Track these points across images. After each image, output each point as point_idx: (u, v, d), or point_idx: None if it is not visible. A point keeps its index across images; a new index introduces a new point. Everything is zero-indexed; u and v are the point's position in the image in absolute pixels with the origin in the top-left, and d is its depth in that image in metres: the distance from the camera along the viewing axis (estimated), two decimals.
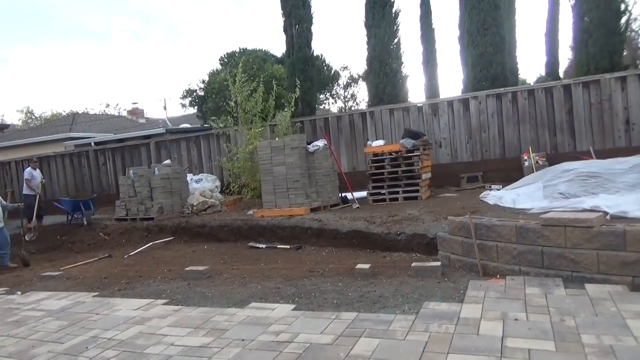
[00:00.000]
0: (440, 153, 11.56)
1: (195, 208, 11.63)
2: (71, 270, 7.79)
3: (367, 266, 5.63)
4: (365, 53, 13.12)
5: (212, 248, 8.67)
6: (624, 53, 12.27)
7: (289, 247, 7.91)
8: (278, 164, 9.59)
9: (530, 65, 55.41)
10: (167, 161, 12.86)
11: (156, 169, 11.88)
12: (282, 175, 9.51)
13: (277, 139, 10.27)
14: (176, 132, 16.19)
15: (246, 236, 8.80)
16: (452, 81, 55.88)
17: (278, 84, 15.66)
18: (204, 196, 12.18)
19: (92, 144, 17.97)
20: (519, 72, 18.26)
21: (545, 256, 4.65)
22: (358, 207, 9.35)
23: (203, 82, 16.70)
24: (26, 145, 19.92)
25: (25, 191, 12.43)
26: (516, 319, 3.63)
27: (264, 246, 8.17)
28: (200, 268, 6.43)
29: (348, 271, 5.85)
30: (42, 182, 12.44)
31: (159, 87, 76.38)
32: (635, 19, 22.89)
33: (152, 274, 6.95)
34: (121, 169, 15.10)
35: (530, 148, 10.35)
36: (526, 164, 10.18)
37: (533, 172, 9.46)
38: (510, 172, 10.29)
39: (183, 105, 16.96)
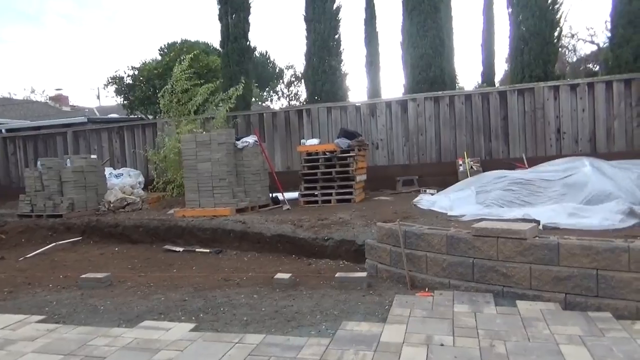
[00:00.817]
0: (377, 155, 11.24)
1: (112, 205, 10.61)
2: None
3: (287, 276, 5.07)
4: (304, 48, 12.59)
5: (124, 250, 7.80)
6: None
7: (208, 251, 7.21)
8: (203, 160, 8.84)
9: (467, 74, 57.11)
10: (93, 156, 11.68)
11: (68, 160, 10.74)
12: (208, 172, 8.78)
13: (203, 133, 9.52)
14: (99, 122, 14.91)
15: (163, 238, 7.99)
16: (394, 85, 56.73)
17: (213, 76, 14.85)
18: (124, 192, 11.16)
19: (3, 130, 16.24)
20: (457, 79, 18.48)
21: (476, 269, 4.30)
22: (288, 209, 8.80)
23: (132, 68, 15.49)
24: None
25: None
26: (442, 344, 3.19)
27: (181, 250, 7.42)
28: (99, 275, 5.61)
29: (267, 280, 5.27)
30: None
31: (92, 75, 72.09)
32: (565, 35, 23.95)
33: (45, 280, 6.03)
34: (33, 159, 13.66)
35: (465, 153, 10.23)
36: (461, 168, 10.05)
37: (467, 177, 9.32)
38: (445, 176, 10.12)
39: (106, 95, 15.68)
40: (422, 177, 10.75)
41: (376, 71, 20.78)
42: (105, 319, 4.25)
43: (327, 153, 9.24)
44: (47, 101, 24.54)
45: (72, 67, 72.67)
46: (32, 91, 41.48)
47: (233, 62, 12.30)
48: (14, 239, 8.96)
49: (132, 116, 15.96)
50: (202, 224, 7.74)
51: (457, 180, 9.69)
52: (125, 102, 15.60)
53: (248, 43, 12.77)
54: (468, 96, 10.73)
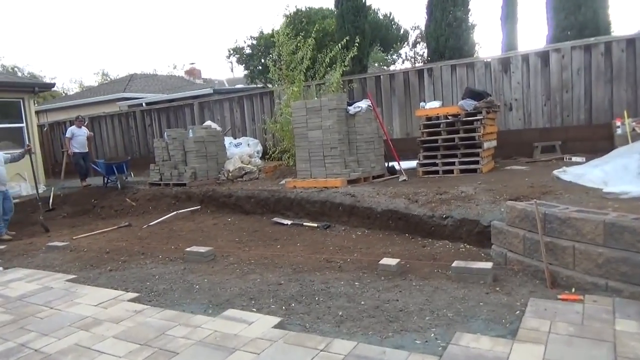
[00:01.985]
0: (509, 117, 9.77)
1: (230, 174, 10.78)
2: (81, 241, 7.17)
3: (394, 262, 4.37)
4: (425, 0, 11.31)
5: (236, 221, 7.73)
6: None
7: (316, 225, 6.77)
8: (314, 128, 8.37)
9: (623, 21, 48.12)
10: (208, 122, 12.01)
11: (190, 131, 11.09)
12: (318, 140, 8.30)
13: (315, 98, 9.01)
14: (223, 93, 15.33)
15: (273, 209, 7.77)
16: (535, 40, 50.57)
17: (330, 39, 14.23)
18: (242, 162, 11.29)
19: (143, 104, 17.62)
20: (610, 27, 15.41)
21: None
22: (405, 180, 7.98)
23: (251, 38, 15.56)
24: (82, 106, 20.06)
25: (73, 149, 12.23)
26: None
27: (289, 223, 7.10)
28: (203, 250, 5.47)
29: (373, 264, 4.62)
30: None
31: (225, 47, 76.35)
32: None
33: (157, 251, 6.12)
34: (166, 130, 14.54)
35: (625, 112, 8.33)
36: (619, 131, 8.22)
37: (628, 142, 7.57)
38: (597, 141, 8.43)
39: (230, 66, 15.98)
40: (565, 142, 9.10)
41: (513, 24, 18.37)
42: (195, 301, 3.99)
43: (449, 117, 8.17)
44: (183, 75, 26.35)
45: (207, 40, 77.58)
46: (174, 67, 45.16)
47: (348, 22, 11.54)
48: (143, 207, 9.50)
49: (253, 86, 16.15)
50: (310, 196, 7.32)
51: (612, 147, 7.97)
52: (246, 71, 15.80)
53: (364, 1, 11.86)
54: (631, 41, 8.68)
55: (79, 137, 12.15)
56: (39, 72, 44.80)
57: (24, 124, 13.44)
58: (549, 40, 10.40)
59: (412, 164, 8.82)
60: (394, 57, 33.41)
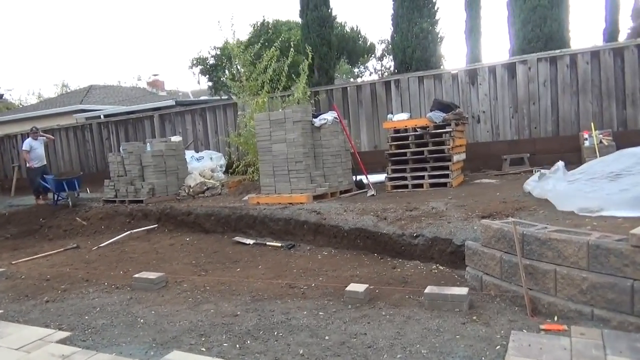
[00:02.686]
0: (478, 130, 9.64)
1: (192, 190, 10.25)
2: (21, 266, 6.52)
3: (361, 288, 3.98)
4: (391, 11, 11.15)
5: (194, 241, 7.22)
6: None
7: (279, 245, 6.35)
8: (278, 141, 7.98)
9: (582, 34, 49.85)
10: (176, 137, 11.45)
11: (148, 144, 10.51)
12: (283, 154, 7.92)
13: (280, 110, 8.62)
14: (185, 105, 14.77)
15: (234, 228, 7.30)
16: (497, 52, 51.76)
17: (297, 51, 13.92)
18: (203, 176, 10.78)
19: (102, 116, 16.84)
20: (570, 41, 15.70)
21: (639, 297, 2.89)
22: (373, 195, 7.67)
23: (215, 48, 15.10)
24: (38, 118, 18.99)
25: (29, 164, 11.43)
26: None
27: (251, 242, 6.65)
28: (152, 276, 4.95)
29: (339, 290, 4.22)
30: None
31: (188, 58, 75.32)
32: None
33: (104, 276, 5.56)
34: (122, 143, 13.86)
35: (592, 124, 8.30)
36: (587, 143, 8.16)
37: (596, 154, 7.50)
38: (565, 153, 8.34)
39: (193, 74, 15.51)
40: (534, 154, 9.01)
41: (477, 37, 18.56)
42: (137, 339, 3.50)
43: (418, 129, 7.93)
44: (146, 87, 25.56)
45: (172, 51, 76.44)
46: (139, 78, 44.07)
47: (313, 32, 11.28)
48: (95, 226, 8.85)
49: (217, 97, 15.64)
50: (274, 213, 6.89)
51: (580, 159, 7.92)
52: (209, 83, 15.30)
53: (329, 10, 11.64)
54: (595, 53, 8.69)
55: (37, 150, 11.40)
56: None
57: None
58: (512, 52, 10.39)
59: (381, 177, 8.55)
60: (361, 69, 33.47)
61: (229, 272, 5.39)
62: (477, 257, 4.05)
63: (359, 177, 8.71)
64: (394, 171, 8.09)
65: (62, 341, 3.40)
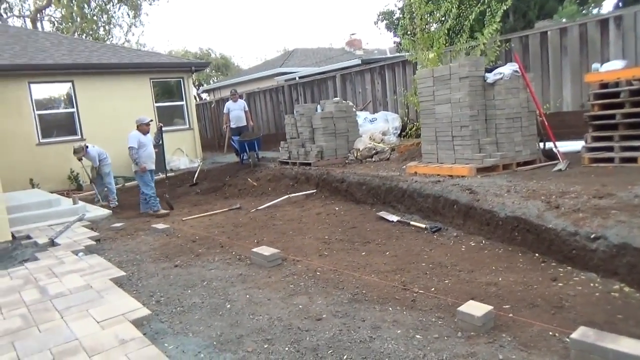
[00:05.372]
0: None
1: (359, 154, 9.81)
2: (185, 224, 7.03)
3: (480, 311, 2.88)
4: None
5: (341, 212, 6.75)
6: None
7: (424, 226, 5.39)
8: (441, 102, 6.85)
9: None
10: (336, 99, 11.13)
11: (318, 106, 10.34)
12: (446, 117, 6.78)
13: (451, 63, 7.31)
14: (368, 63, 14.21)
15: (384, 200, 6.57)
16: None
17: None
18: (373, 140, 10.19)
19: (296, 78, 17.57)
20: None
21: None
22: (560, 170, 5.97)
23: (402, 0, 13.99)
24: (247, 82, 21.04)
25: (226, 124, 12.54)
26: None
27: (395, 219, 5.83)
28: (267, 253, 4.63)
29: (459, 305, 3.18)
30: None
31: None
32: None
33: (238, 244, 5.51)
34: (311, 103, 14.14)
35: None
36: None
37: None
38: None
39: (378, 30, 14.58)
40: None
41: None
42: (205, 332, 3.17)
43: (635, 82, 5.78)
44: (344, 47, 25.87)
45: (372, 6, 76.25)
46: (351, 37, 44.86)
47: None
48: (263, 187, 9.15)
49: (397, 54, 14.63)
50: (423, 188, 5.90)
51: None
52: (395, 38, 14.36)
53: None
54: None
55: (234, 112, 12.26)
56: (228, 53, 49.50)
57: (183, 102, 14.39)
58: None
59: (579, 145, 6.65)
60: (596, 11, 27.69)
61: (352, 255, 4.74)
62: None
63: (548, 145, 6.95)
64: (596, 139, 6.14)
65: (137, 321, 3.29)
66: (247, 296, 3.80)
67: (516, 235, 4.37)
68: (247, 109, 12.67)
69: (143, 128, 8.02)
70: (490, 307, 2.92)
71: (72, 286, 4.14)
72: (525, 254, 4.19)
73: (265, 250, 4.72)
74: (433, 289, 3.62)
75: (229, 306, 3.62)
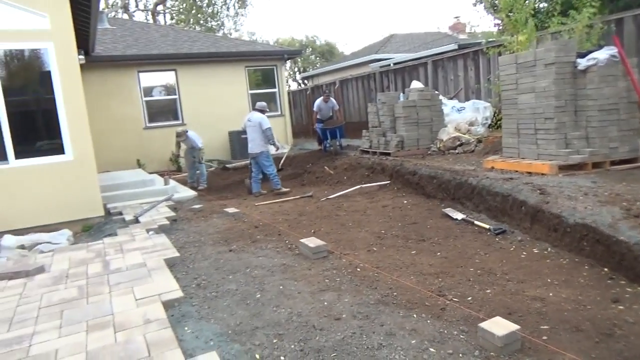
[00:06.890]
0: None
1: (442, 145, 9.38)
2: (256, 209, 7.26)
3: (502, 331, 2.55)
4: None
5: (408, 206, 6.49)
6: None
7: (487, 227, 4.98)
8: (525, 91, 6.26)
9: None
10: (418, 84, 10.66)
11: (402, 95, 10.00)
12: (530, 108, 6.19)
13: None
14: (464, 48, 13.38)
15: (453, 196, 6.19)
16: None
17: None
18: (459, 130, 9.65)
19: (391, 64, 17.16)
20: None
21: None
22: None
23: None
24: (343, 69, 21.00)
25: (317, 122, 12.51)
26: None
27: (459, 217, 5.47)
28: (312, 245, 4.58)
29: (491, 318, 2.89)
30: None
31: None
32: None
33: (295, 233, 5.55)
34: (401, 91, 13.74)
35: None
36: None
37: None
38: None
39: (477, 13, 13.57)
40: None
41: None
42: (226, 320, 3.24)
43: None
44: (447, 31, 24.64)
45: None
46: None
47: None
48: (339, 175, 9.12)
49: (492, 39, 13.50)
50: (493, 185, 5.44)
51: None
52: (496, 20, 13.32)
53: None
54: None
55: (323, 111, 12.16)
56: (334, 39, 49.84)
57: (276, 89, 14.81)
58: None
59: None
60: None
61: (401, 253, 4.54)
62: None
63: None
64: None
65: (168, 303, 3.46)
66: (280, 287, 3.81)
67: (585, 245, 3.85)
68: (337, 107, 12.44)
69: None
70: (516, 327, 2.60)
71: (130, 263, 4.49)
72: (593, 267, 3.68)
73: (312, 242, 4.69)
74: (470, 299, 3.33)
75: (258, 296, 3.66)
